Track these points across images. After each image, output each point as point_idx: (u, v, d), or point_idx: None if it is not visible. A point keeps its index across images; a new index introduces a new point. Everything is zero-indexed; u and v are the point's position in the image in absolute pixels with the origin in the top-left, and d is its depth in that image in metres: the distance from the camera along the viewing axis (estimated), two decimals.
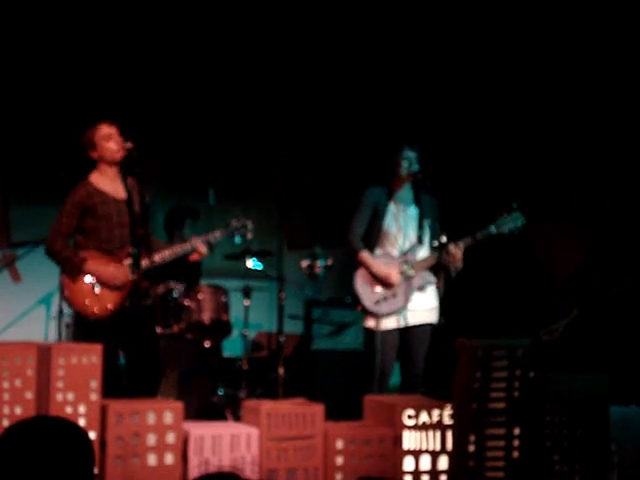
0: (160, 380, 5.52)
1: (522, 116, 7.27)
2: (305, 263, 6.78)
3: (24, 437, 2.18)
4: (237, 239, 5.69)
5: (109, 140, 5.13)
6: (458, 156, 7.27)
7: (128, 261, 5.11)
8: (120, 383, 4.91)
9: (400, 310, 5.55)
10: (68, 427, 2.25)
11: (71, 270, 5.08)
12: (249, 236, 5.59)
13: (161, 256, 5.17)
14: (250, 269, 6.69)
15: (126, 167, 5.15)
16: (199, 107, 7.53)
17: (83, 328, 5.16)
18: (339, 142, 7.73)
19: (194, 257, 5.39)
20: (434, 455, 4.44)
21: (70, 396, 4.22)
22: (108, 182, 5.19)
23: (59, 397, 4.21)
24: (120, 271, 5.09)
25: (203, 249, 5.34)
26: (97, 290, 5.08)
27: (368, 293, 5.57)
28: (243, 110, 7.63)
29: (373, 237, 5.66)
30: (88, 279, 5.08)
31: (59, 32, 7.05)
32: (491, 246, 5.65)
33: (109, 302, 5.08)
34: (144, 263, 5.07)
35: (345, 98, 7.69)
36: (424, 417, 4.46)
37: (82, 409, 4.23)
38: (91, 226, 5.12)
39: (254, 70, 7.60)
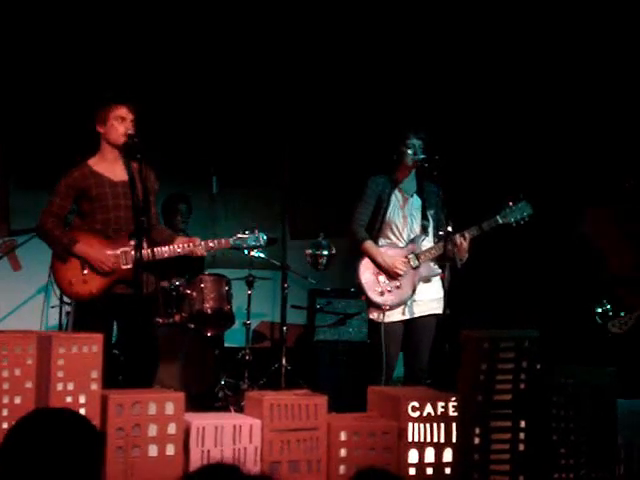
0: (156, 373, 5.43)
1: (533, 103, 7.19)
2: (309, 252, 6.72)
3: (33, 431, 2.16)
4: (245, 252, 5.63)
5: (121, 122, 5.08)
6: (466, 144, 7.19)
7: (123, 249, 5.05)
8: (115, 372, 4.85)
9: (405, 301, 5.49)
10: (79, 422, 2.23)
11: (60, 250, 5.07)
12: (259, 249, 5.48)
13: (160, 252, 5.08)
14: (253, 257, 6.64)
15: (128, 152, 5.09)
16: (201, 94, 7.47)
17: (80, 314, 5.14)
18: (343, 130, 7.66)
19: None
20: (439, 448, 4.39)
21: (70, 386, 4.17)
22: (106, 165, 5.14)
23: (59, 387, 4.16)
24: (110, 257, 5.03)
25: (200, 252, 5.17)
26: (85, 272, 5.04)
27: (372, 284, 5.50)
28: (246, 97, 7.57)
29: (376, 227, 5.59)
30: (77, 260, 5.04)
31: (62, 17, 7.00)
32: (500, 235, 5.58)
33: (94, 286, 5.04)
34: (144, 255, 4.96)
35: (350, 85, 7.63)
36: (429, 409, 4.41)
37: (82, 399, 4.17)
38: (87, 209, 5.10)
39: (258, 57, 7.54)
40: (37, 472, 2.09)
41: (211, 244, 5.19)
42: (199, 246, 5.14)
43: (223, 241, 5.25)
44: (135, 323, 5.01)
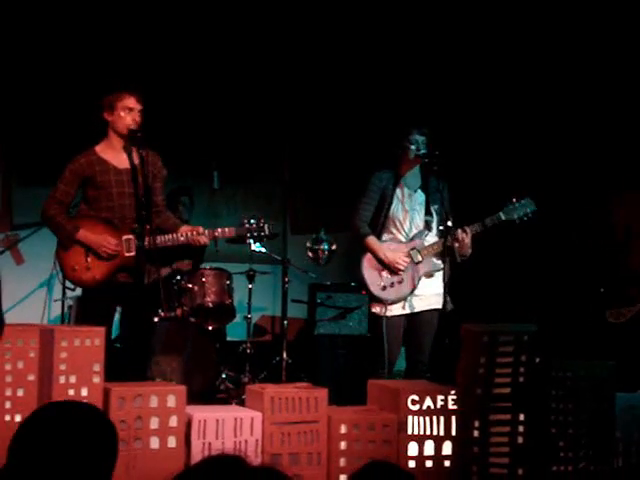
0: (148, 361, 5.45)
1: (537, 99, 7.19)
2: (309, 247, 6.74)
3: (47, 423, 2.16)
4: (251, 241, 5.63)
5: (128, 113, 5.09)
6: (470, 140, 7.20)
7: (127, 236, 5.07)
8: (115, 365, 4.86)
9: (406, 296, 5.51)
10: (97, 416, 2.24)
11: (63, 237, 5.09)
12: (263, 240, 5.50)
13: (163, 240, 5.11)
14: (254, 252, 6.66)
15: (133, 142, 5.10)
16: (204, 90, 7.48)
17: (83, 305, 5.17)
18: (344, 126, 7.67)
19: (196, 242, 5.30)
20: (438, 440, 4.42)
21: (72, 379, 4.20)
22: (113, 153, 5.15)
23: (61, 380, 4.18)
24: (113, 243, 5.05)
25: (203, 240, 5.20)
26: (89, 259, 5.06)
27: (375, 279, 5.53)
28: (248, 92, 7.58)
29: (380, 222, 5.61)
30: (81, 247, 5.06)
31: (63, 13, 7.00)
32: (500, 230, 5.59)
33: (97, 273, 5.06)
34: (146, 243, 4.98)
35: (352, 80, 7.63)
36: (428, 402, 4.44)
37: (84, 392, 4.20)
38: (93, 195, 5.12)
39: (260, 51, 7.54)
40: (51, 464, 2.09)
41: (216, 233, 5.22)
42: (203, 234, 5.17)
43: (227, 230, 5.28)
44: (136, 312, 5.04)
